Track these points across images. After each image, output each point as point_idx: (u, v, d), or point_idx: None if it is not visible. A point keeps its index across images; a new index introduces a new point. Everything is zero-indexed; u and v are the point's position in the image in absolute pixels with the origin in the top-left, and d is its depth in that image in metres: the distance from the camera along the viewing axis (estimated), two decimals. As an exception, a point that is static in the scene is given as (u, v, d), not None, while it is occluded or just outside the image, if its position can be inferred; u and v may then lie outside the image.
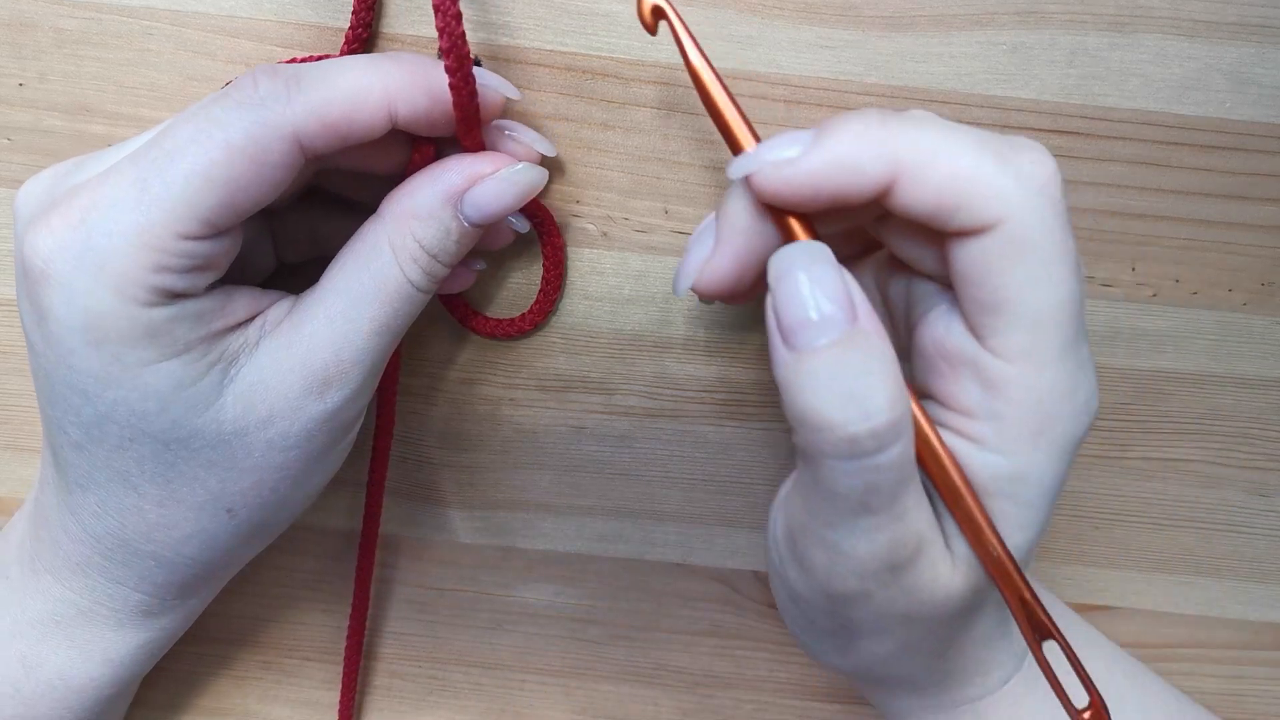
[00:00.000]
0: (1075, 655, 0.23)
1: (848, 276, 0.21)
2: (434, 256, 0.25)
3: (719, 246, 0.24)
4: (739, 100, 0.24)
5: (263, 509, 0.25)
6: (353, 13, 0.28)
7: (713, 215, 0.25)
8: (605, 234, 0.31)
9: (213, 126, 0.22)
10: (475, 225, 0.25)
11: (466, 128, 0.25)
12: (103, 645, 0.27)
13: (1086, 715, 0.23)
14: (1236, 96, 0.29)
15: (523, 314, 0.31)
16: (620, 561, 0.34)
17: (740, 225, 0.23)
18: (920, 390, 0.24)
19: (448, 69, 0.23)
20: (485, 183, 0.25)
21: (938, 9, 0.28)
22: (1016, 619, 0.23)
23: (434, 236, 0.24)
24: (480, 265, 0.30)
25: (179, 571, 0.26)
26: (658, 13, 0.24)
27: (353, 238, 0.25)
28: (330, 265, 0.25)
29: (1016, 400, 0.22)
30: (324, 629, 0.35)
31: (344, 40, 0.28)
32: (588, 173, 0.30)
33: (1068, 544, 0.34)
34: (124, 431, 0.23)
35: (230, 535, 0.25)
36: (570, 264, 0.31)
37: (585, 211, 0.30)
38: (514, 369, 0.32)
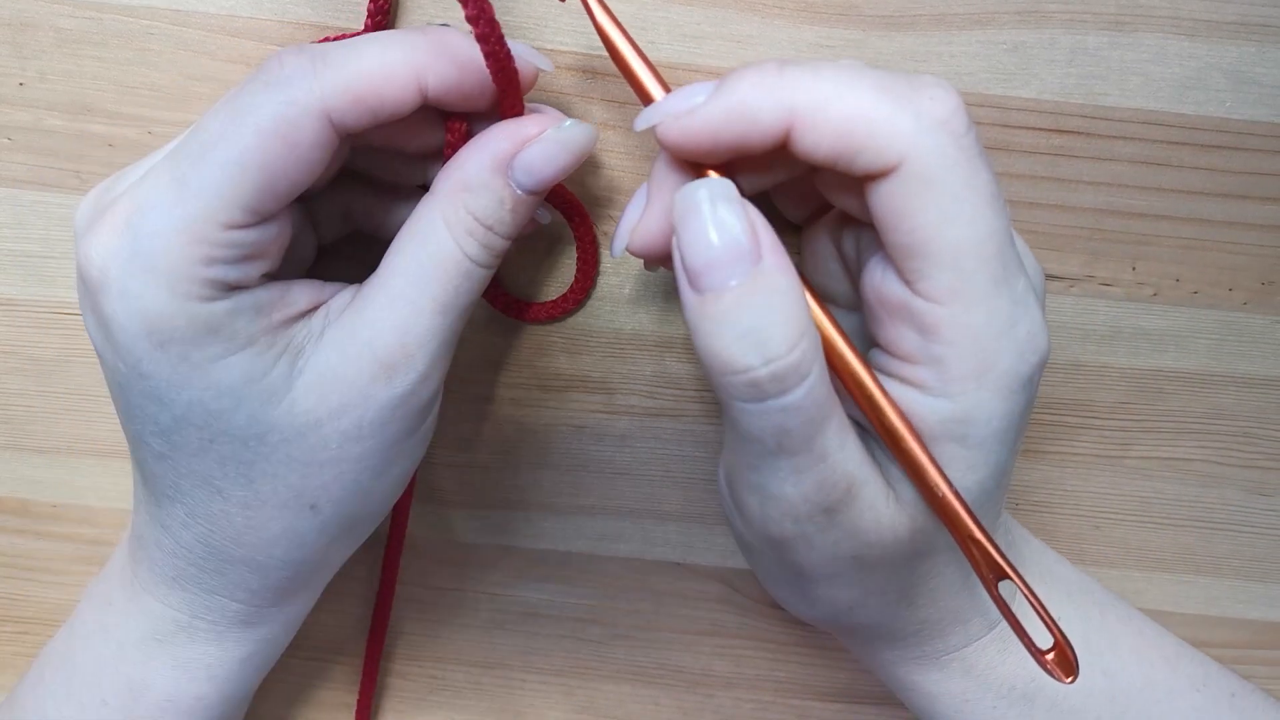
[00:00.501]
0: (1034, 595, 0.22)
1: (752, 212, 0.21)
2: (490, 228, 0.24)
3: (649, 206, 0.24)
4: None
5: (347, 502, 0.25)
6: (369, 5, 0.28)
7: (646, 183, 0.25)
8: (606, 233, 0.31)
9: (242, 113, 0.21)
10: (530, 192, 0.24)
11: (505, 94, 0.24)
12: (206, 661, 0.27)
13: (1050, 656, 0.23)
14: (1237, 96, 0.29)
15: (564, 294, 0.31)
16: (621, 561, 0.34)
17: (667, 184, 0.23)
18: (870, 339, 0.24)
19: (479, 36, 0.23)
20: (534, 145, 0.24)
21: (938, 8, 0.28)
22: (970, 559, 0.23)
23: (488, 207, 0.23)
24: (546, 218, 0.29)
25: (271, 575, 0.26)
26: None
27: (410, 218, 0.24)
28: (390, 248, 0.24)
29: (952, 341, 0.22)
30: (329, 628, 0.35)
31: (362, 29, 0.28)
32: (588, 171, 0.30)
33: (1068, 543, 0.34)
34: (202, 434, 0.23)
35: (317, 533, 0.25)
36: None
37: (586, 210, 0.30)
38: (515, 369, 0.32)
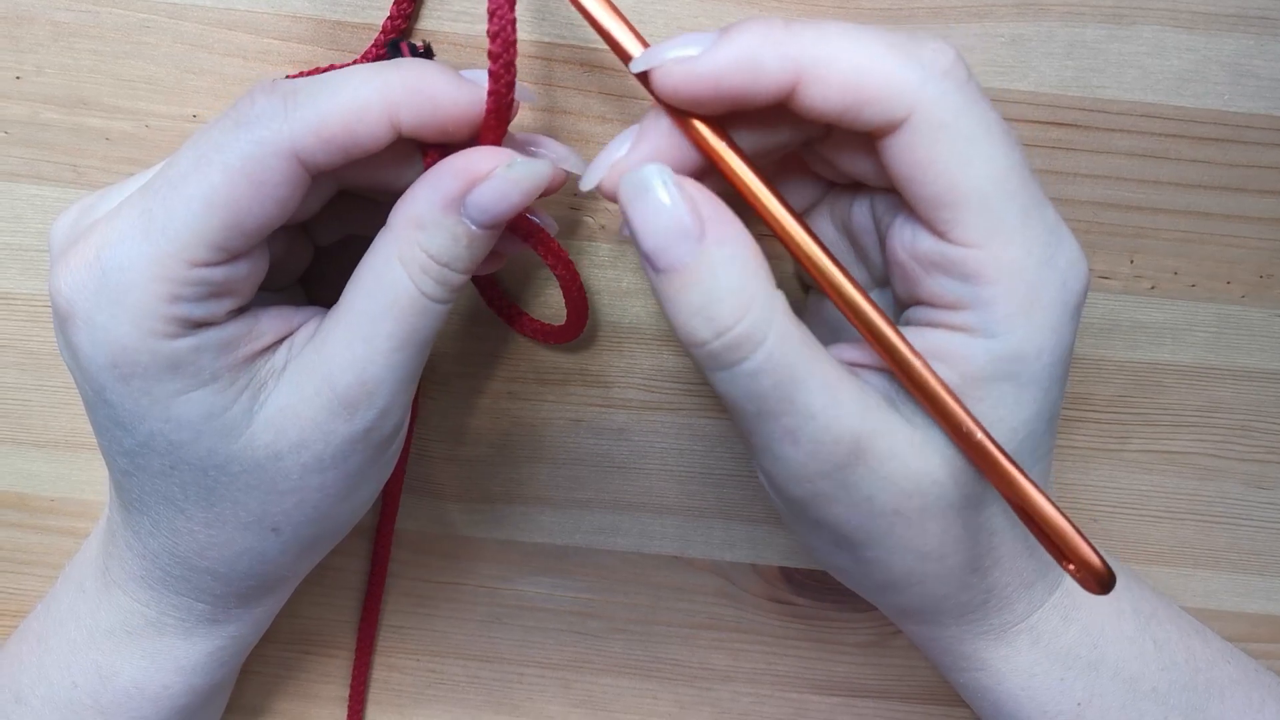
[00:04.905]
0: (1072, 523, 0.22)
1: (692, 188, 0.21)
2: (445, 265, 0.23)
3: (635, 147, 0.23)
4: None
5: (309, 524, 0.25)
6: (393, 3, 0.27)
7: (636, 125, 0.24)
8: (603, 226, 0.31)
9: (211, 151, 0.21)
10: (485, 228, 0.23)
11: (493, 128, 0.23)
12: (173, 654, 0.27)
13: (1096, 561, 0.22)
14: (1235, 88, 0.29)
15: (560, 327, 0.30)
16: (618, 554, 0.34)
17: (659, 128, 0.23)
18: (906, 298, 0.24)
19: (493, 74, 0.22)
20: (486, 183, 0.23)
21: (936, 1, 0.28)
22: (1001, 493, 0.23)
23: (442, 245, 0.23)
24: (553, 225, 0.28)
25: (236, 583, 0.26)
26: None
27: (368, 252, 0.24)
28: (350, 280, 0.24)
29: (995, 280, 0.22)
30: (324, 622, 0.35)
31: (380, 31, 0.28)
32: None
33: (1066, 537, 0.34)
34: (164, 460, 0.23)
35: (280, 551, 0.25)
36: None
37: (583, 204, 0.30)
38: (512, 362, 0.32)
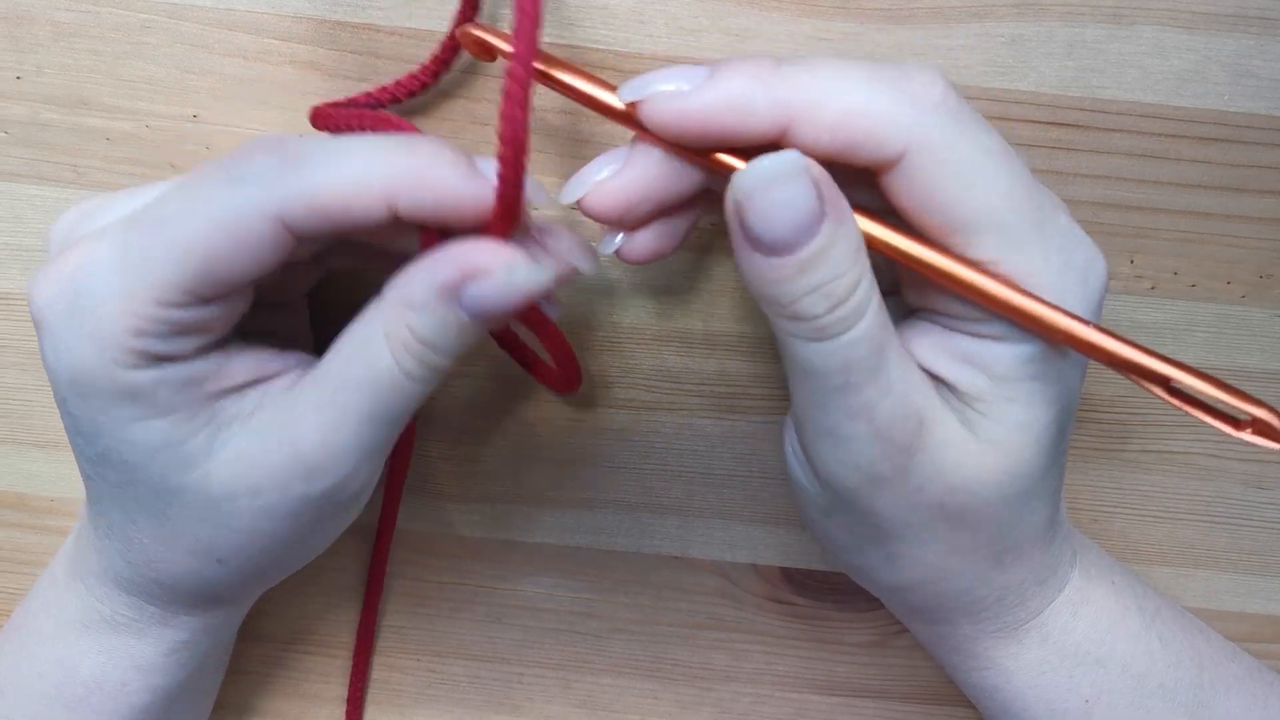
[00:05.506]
0: (1212, 378, 0.23)
1: (817, 172, 0.21)
2: (430, 347, 0.22)
3: (625, 169, 0.23)
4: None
5: (257, 561, 0.25)
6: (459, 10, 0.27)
7: (623, 148, 0.24)
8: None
9: (199, 200, 0.21)
10: (478, 321, 0.22)
11: (498, 223, 0.22)
12: (129, 652, 0.27)
13: (1249, 431, 0.23)
14: (1235, 88, 0.29)
15: (553, 378, 0.30)
16: (619, 555, 0.34)
17: (652, 153, 0.23)
18: (919, 307, 0.25)
19: (502, 178, 0.22)
20: (485, 280, 0.22)
21: (936, 1, 0.28)
22: (1130, 375, 0.23)
23: (430, 328, 0.22)
24: (556, 311, 0.27)
25: (182, 596, 0.26)
26: (481, 44, 0.24)
27: (355, 320, 0.23)
28: (332, 345, 0.23)
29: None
30: (323, 621, 0.35)
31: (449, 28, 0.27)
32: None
33: (1066, 537, 0.34)
34: (120, 474, 0.23)
35: (225, 578, 0.25)
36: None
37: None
38: (513, 362, 0.32)
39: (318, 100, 0.28)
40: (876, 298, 0.22)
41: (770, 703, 0.36)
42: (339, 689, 0.36)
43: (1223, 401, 0.23)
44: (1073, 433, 0.25)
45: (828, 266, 0.21)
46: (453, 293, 0.22)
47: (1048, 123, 0.29)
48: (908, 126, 0.21)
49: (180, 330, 0.22)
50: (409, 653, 0.36)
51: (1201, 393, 0.23)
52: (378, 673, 0.36)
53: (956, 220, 0.22)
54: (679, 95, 0.22)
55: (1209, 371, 0.32)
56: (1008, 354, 0.23)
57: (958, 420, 0.23)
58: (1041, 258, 0.22)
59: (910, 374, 0.23)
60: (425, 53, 0.28)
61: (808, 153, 0.21)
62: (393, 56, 0.29)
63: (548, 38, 0.29)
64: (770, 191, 0.21)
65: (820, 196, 0.21)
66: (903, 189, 0.22)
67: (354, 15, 0.29)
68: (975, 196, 0.21)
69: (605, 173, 0.24)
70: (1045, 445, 0.23)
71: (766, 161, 0.21)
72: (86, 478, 0.25)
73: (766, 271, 0.21)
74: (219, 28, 0.29)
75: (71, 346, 0.22)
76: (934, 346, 0.24)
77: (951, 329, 0.24)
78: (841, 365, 0.22)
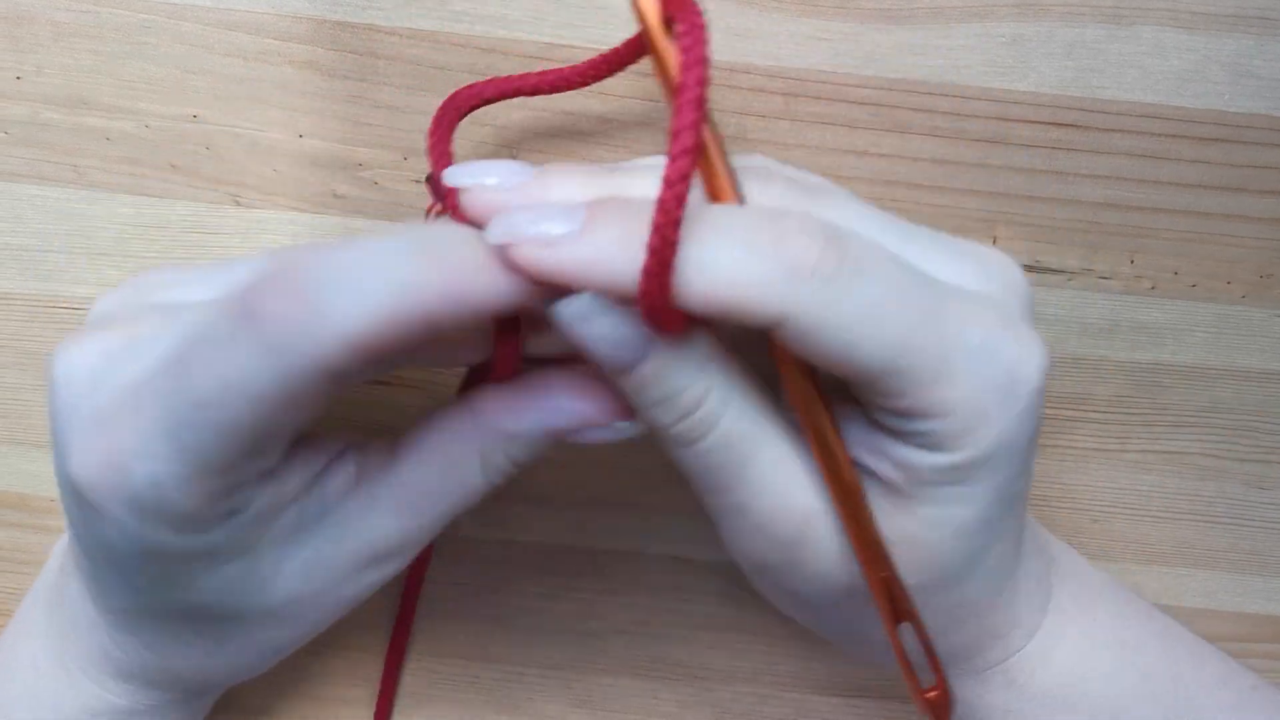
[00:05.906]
0: (929, 640, 0.24)
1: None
2: (519, 464, 0.24)
3: (592, 231, 0.20)
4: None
5: (300, 642, 0.26)
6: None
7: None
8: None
9: (232, 370, 0.19)
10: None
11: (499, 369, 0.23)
12: None
13: (931, 695, 0.24)
14: (1235, 88, 0.29)
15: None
16: (619, 555, 0.34)
17: (626, 210, 0.20)
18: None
19: (498, 366, 0.23)
20: (595, 430, 0.24)
21: (936, 1, 0.28)
22: (878, 601, 0.23)
23: (527, 454, 0.24)
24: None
25: (216, 684, 0.28)
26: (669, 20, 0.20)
27: (444, 435, 0.24)
28: (412, 448, 0.24)
29: (931, 415, 0.21)
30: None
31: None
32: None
33: (1065, 538, 0.34)
34: (171, 607, 0.23)
35: (263, 663, 0.27)
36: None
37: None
38: (512, 362, 0.32)
39: (318, 100, 0.28)
40: (738, 405, 0.22)
41: (770, 702, 0.36)
42: (347, 690, 0.36)
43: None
44: (1026, 504, 0.25)
45: (667, 383, 0.21)
46: (559, 435, 0.23)
47: (1048, 123, 0.29)
48: (780, 298, 0.19)
49: (243, 485, 0.21)
50: (408, 653, 0.36)
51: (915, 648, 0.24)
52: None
53: (850, 373, 0.21)
54: (548, 244, 0.19)
55: (1208, 369, 0.32)
56: (925, 461, 0.22)
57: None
58: (948, 388, 0.20)
59: (788, 476, 0.22)
60: (425, 52, 0.28)
61: (687, 311, 0.20)
62: (393, 56, 0.29)
63: (546, 38, 0.29)
64: (585, 326, 0.21)
65: (639, 333, 0.20)
66: (794, 347, 0.20)
67: (354, 15, 0.29)
68: (864, 352, 0.20)
69: (566, 228, 0.20)
70: (972, 533, 0.23)
71: (571, 306, 0.20)
72: (119, 601, 0.24)
73: (622, 384, 0.22)
74: (218, 27, 0.29)
75: (141, 529, 0.21)
76: (858, 434, 0.23)
77: (874, 423, 0.23)
78: (702, 470, 0.22)
